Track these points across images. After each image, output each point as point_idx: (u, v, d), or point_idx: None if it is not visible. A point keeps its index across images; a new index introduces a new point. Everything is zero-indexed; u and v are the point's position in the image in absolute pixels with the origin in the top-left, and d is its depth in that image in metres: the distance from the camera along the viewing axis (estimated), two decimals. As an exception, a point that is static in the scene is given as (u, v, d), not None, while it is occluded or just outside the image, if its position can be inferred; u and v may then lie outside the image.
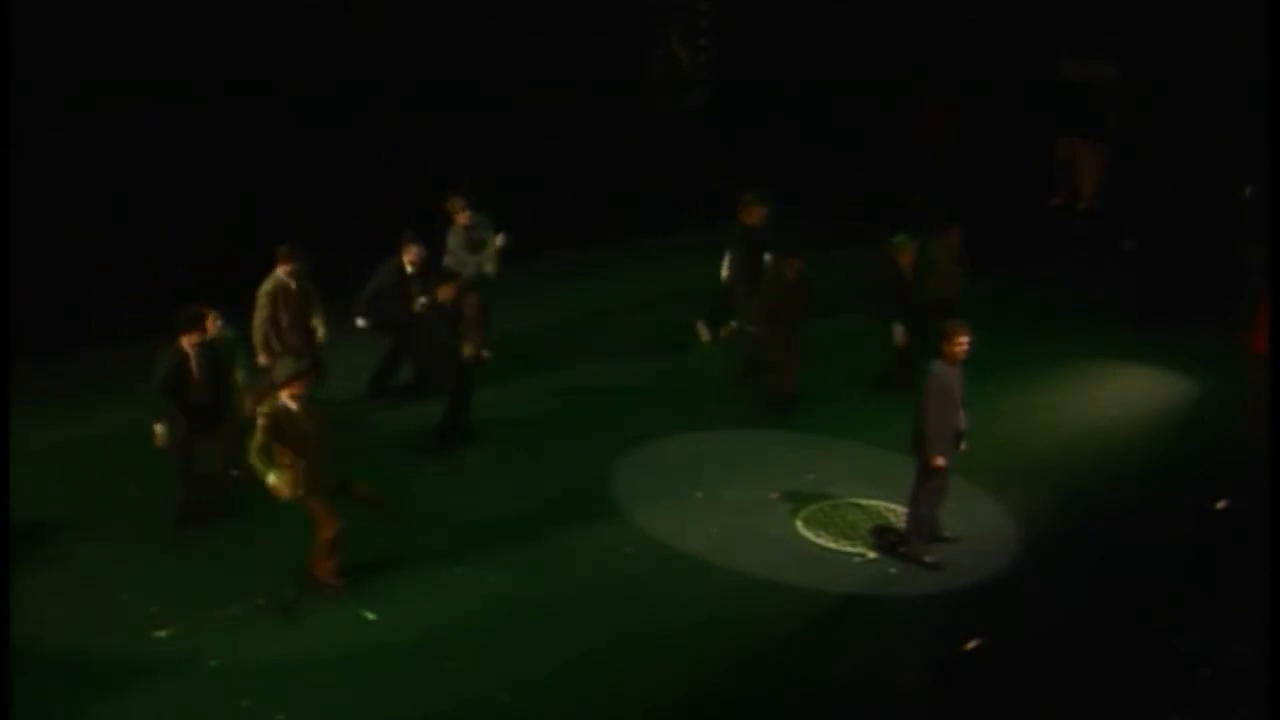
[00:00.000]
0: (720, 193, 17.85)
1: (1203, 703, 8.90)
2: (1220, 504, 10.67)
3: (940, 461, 11.43)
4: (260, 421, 10.82)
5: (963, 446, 11.56)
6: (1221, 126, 18.16)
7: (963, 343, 11.35)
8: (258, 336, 13.35)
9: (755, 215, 15.61)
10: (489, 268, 15.35)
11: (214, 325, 12.26)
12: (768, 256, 15.33)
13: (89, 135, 15.06)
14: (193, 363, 11.76)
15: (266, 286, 13.50)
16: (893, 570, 11.64)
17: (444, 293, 13.49)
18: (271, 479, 10.75)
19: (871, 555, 11.86)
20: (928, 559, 11.68)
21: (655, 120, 21.30)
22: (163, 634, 10.39)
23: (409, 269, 14.15)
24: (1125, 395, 15.46)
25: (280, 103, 16.39)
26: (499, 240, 15.38)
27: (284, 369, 12.84)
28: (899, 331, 14.80)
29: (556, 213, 19.30)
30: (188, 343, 11.81)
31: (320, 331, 13.73)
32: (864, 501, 12.74)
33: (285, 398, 10.89)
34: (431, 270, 14.13)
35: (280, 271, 13.49)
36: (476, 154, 16.55)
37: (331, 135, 16.93)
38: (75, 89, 14.85)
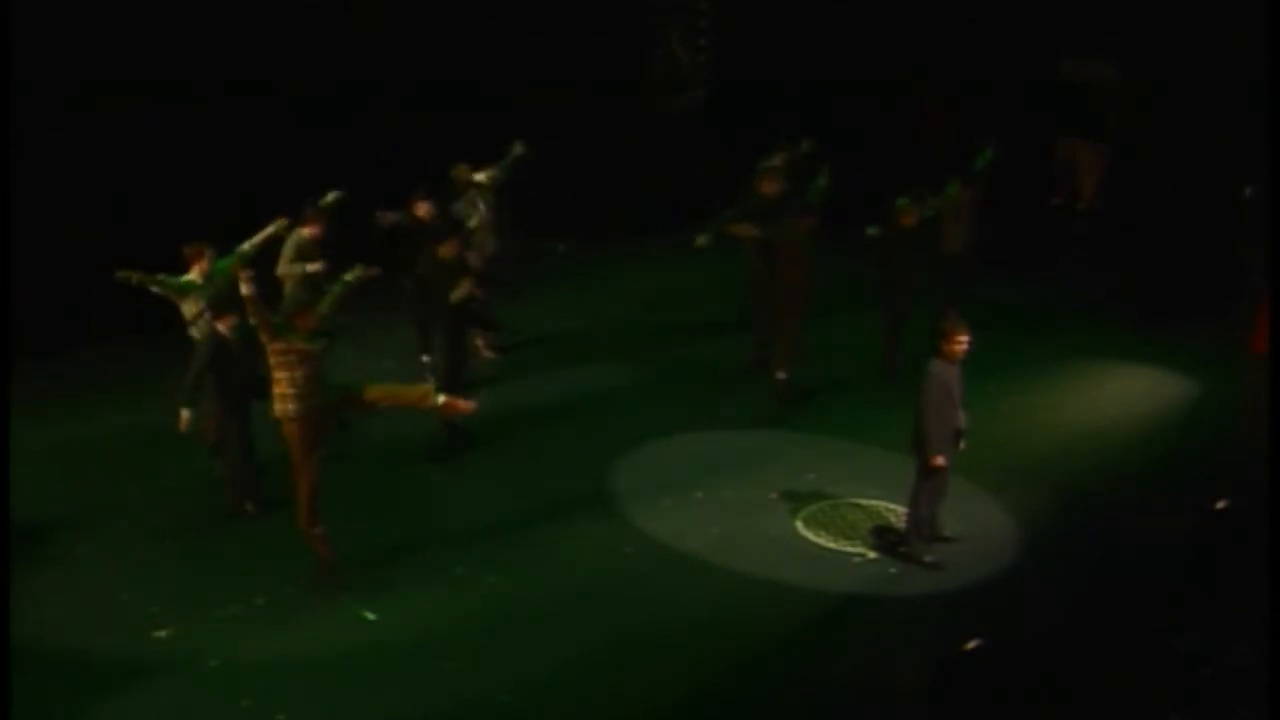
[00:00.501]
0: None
1: (1203, 703, 8.91)
2: (1220, 504, 10.66)
3: (940, 461, 11.43)
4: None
5: (962, 446, 11.55)
6: (1221, 126, 18.17)
7: (962, 341, 11.34)
8: (288, 285, 13.67)
9: (772, 186, 15.45)
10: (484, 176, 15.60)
11: (208, 261, 12.37)
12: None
13: (89, 135, 15.06)
14: (232, 346, 11.76)
15: (290, 241, 13.58)
16: (893, 570, 11.64)
17: (446, 249, 13.49)
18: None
19: (871, 555, 11.86)
20: (928, 559, 11.68)
21: (655, 120, 21.30)
22: (163, 634, 10.39)
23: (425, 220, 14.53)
24: (1125, 395, 15.46)
25: (280, 103, 16.39)
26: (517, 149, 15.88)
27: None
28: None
29: (556, 213, 19.30)
30: (224, 326, 11.78)
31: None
32: (864, 501, 12.74)
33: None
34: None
35: (306, 232, 13.62)
36: (476, 154, 16.54)
37: (331, 135, 16.94)
38: (75, 89, 14.86)
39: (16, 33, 13.21)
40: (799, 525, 12.34)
